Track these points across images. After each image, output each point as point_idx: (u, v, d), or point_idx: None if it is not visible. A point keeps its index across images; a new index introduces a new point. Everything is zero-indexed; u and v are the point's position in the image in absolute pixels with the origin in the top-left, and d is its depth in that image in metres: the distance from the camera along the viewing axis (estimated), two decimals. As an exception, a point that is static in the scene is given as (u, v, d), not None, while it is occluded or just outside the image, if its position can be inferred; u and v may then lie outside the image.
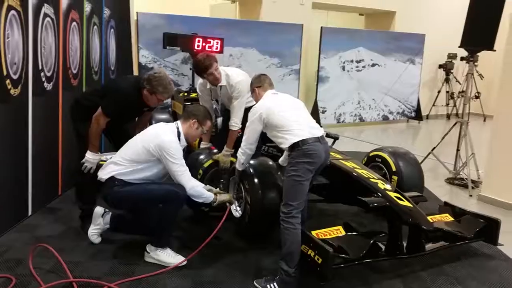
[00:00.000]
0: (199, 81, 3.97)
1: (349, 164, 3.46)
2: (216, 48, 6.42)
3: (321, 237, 2.78)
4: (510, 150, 4.29)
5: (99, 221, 3.13)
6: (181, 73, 6.98)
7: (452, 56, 9.94)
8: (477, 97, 9.55)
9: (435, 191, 4.73)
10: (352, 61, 8.69)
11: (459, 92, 9.82)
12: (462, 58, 9.49)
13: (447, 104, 10.35)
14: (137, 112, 3.46)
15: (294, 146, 2.69)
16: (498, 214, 3.50)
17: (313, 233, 2.79)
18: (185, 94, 5.72)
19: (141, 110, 3.41)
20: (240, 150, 3.03)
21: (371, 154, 4.09)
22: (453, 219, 3.32)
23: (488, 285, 2.85)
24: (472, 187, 4.83)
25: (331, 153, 3.68)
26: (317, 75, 8.39)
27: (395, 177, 3.78)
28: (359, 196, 3.12)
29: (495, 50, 4.89)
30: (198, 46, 6.22)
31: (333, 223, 3.12)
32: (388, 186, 3.15)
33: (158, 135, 2.89)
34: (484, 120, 9.96)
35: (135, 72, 6.70)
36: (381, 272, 2.92)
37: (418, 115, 9.77)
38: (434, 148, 5.49)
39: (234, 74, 3.76)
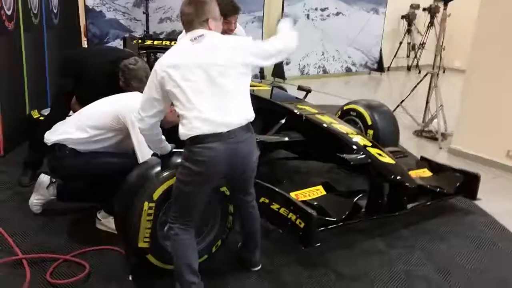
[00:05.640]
0: None
1: (325, 119, 3.24)
2: (173, -9, 5.85)
3: (301, 199, 2.57)
4: (482, 105, 4.20)
5: (43, 191, 2.75)
6: (133, 17, 6.32)
7: (415, 7, 9.75)
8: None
9: (404, 144, 4.64)
10: (316, 9, 8.30)
11: (420, 44, 9.77)
12: (424, 9, 9.36)
13: (408, 56, 10.30)
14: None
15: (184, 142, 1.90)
16: (469, 168, 3.44)
17: (292, 194, 2.57)
18: (139, 41, 5.23)
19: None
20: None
21: (345, 108, 3.88)
22: (431, 174, 3.22)
23: (469, 241, 2.79)
24: (442, 140, 4.79)
25: (305, 107, 3.45)
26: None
27: (370, 131, 3.62)
28: (337, 153, 2.92)
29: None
30: (152, -13, 5.64)
31: (307, 181, 2.92)
32: (368, 142, 2.97)
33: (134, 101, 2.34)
34: (444, 72, 10.03)
35: (81, 16, 6.02)
36: (361, 232, 2.77)
37: (380, 66, 9.67)
38: (403, 100, 5.37)
39: None
